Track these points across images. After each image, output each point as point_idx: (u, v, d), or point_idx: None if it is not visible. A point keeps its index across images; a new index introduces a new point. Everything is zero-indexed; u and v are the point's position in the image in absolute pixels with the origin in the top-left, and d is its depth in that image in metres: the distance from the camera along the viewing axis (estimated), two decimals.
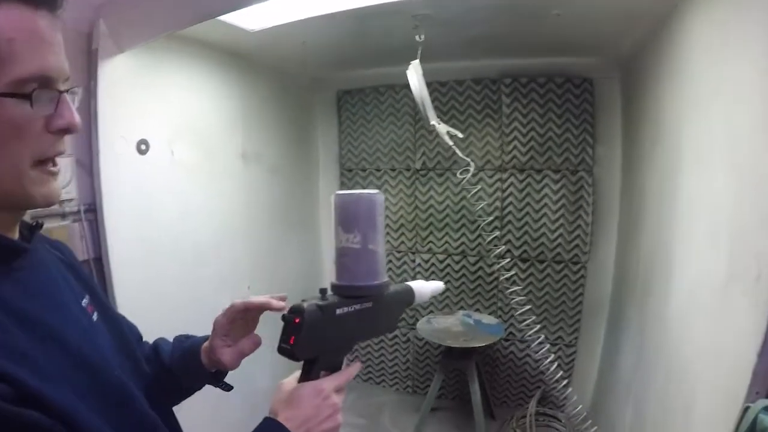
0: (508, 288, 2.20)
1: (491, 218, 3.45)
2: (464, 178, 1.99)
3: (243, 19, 2.27)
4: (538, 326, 1.87)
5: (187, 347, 1.11)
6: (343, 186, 3.98)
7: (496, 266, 3.15)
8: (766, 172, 1.25)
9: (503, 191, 3.47)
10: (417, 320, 3.59)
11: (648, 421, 2.01)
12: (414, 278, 3.78)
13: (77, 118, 0.75)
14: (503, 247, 3.42)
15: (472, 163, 1.98)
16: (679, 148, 1.93)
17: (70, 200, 2.10)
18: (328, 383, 0.92)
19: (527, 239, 3.47)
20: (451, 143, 2.14)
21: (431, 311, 3.76)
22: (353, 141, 3.90)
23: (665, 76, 2.17)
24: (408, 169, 3.75)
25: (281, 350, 0.89)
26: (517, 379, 3.69)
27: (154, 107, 2.40)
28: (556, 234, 3.40)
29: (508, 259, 3.39)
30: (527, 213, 3.45)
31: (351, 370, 0.98)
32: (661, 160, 2.19)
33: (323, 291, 0.94)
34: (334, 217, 0.95)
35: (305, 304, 0.88)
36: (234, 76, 2.95)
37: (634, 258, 2.61)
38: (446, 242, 3.71)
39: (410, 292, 1.09)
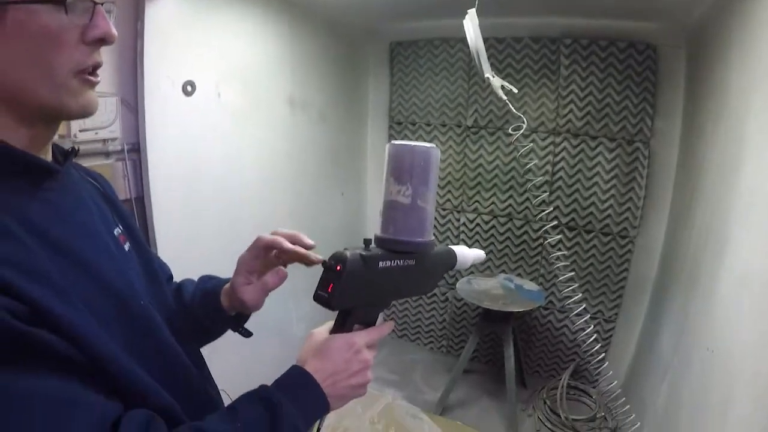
0: (553, 252, 2.13)
1: (541, 178, 3.36)
2: (516, 135, 1.91)
3: None
4: (581, 294, 1.80)
5: (209, 287, 1.09)
6: (391, 139, 3.89)
7: (543, 229, 3.08)
8: None
9: (555, 155, 3.36)
10: (457, 280, 3.56)
11: (684, 405, 1.94)
12: (458, 237, 3.75)
13: (113, 28, 0.74)
14: (551, 208, 3.35)
15: (525, 120, 1.90)
16: (743, 131, 1.80)
17: (114, 139, 2.10)
18: (360, 337, 0.90)
19: (576, 207, 3.36)
20: (504, 98, 2.05)
21: (472, 272, 3.71)
22: (404, 94, 3.81)
23: (734, 52, 2.01)
24: (459, 126, 3.65)
25: (317, 298, 0.86)
26: (552, 350, 3.65)
27: (201, 49, 2.36)
28: (606, 205, 3.28)
29: (555, 222, 3.31)
30: (578, 180, 3.33)
31: (385, 327, 0.96)
32: (723, 140, 2.05)
33: (367, 242, 0.90)
34: (387, 167, 0.91)
35: (348, 253, 0.85)
36: (283, 21, 2.88)
37: (684, 238, 2.49)
38: (493, 203, 3.63)
39: (453, 255, 1.05)
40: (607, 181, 3.26)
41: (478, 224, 3.72)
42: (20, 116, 0.70)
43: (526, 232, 3.57)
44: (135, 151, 2.17)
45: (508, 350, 3.09)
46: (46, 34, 0.67)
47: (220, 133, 2.53)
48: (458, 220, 3.79)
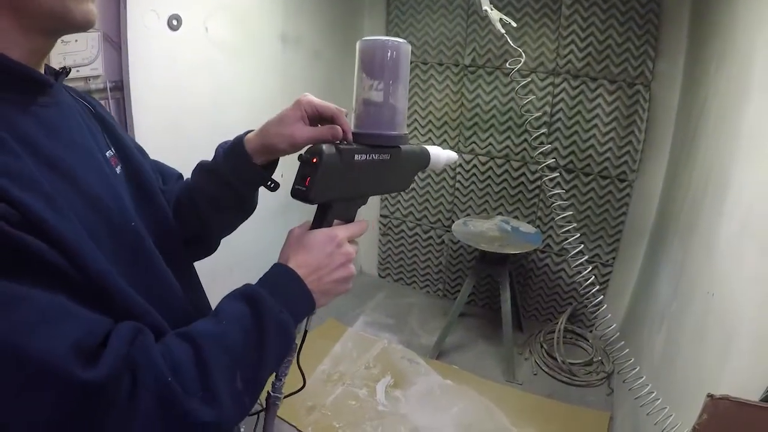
0: (551, 190, 2.08)
1: (539, 113, 3.29)
2: (514, 69, 1.84)
3: None
4: (579, 234, 1.76)
5: (233, 141, 1.03)
6: None
7: (540, 168, 3.03)
8: None
9: (554, 96, 3.28)
10: (453, 222, 3.51)
11: (682, 349, 1.92)
12: (454, 179, 3.71)
13: None
14: (549, 146, 3.30)
15: (523, 54, 1.82)
16: (748, 72, 1.73)
17: (96, 77, 2.02)
18: (342, 231, 0.90)
19: (575, 149, 3.30)
20: (503, 31, 1.97)
21: (468, 214, 3.68)
22: (401, 32, 3.69)
23: None
24: (456, 65, 3.55)
25: (295, 193, 0.86)
26: (548, 293, 3.65)
27: None
28: (605, 148, 3.22)
29: (553, 160, 3.26)
30: (577, 122, 3.26)
31: (363, 223, 0.95)
32: (726, 82, 1.98)
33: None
34: (358, 63, 0.91)
35: (324, 146, 0.86)
36: None
37: (684, 182, 2.45)
38: (490, 144, 3.56)
39: (426, 154, 1.08)
40: (606, 124, 3.20)
41: (474, 165, 3.66)
42: (20, 24, 0.66)
43: (523, 173, 3.52)
44: (118, 89, 2.10)
45: (505, 293, 3.08)
46: None
47: (209, 70, 2.44)
48: (454, 161, 3.70)
